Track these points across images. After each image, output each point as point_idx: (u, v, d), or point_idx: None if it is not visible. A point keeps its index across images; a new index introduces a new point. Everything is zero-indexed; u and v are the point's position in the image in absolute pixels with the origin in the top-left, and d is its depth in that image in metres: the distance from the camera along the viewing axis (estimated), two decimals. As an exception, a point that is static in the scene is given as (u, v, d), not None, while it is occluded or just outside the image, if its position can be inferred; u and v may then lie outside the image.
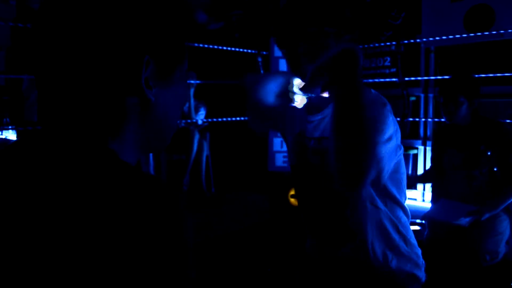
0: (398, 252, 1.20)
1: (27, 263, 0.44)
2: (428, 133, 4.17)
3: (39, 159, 0.50)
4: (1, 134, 5.97)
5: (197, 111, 4.40)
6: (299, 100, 1.11)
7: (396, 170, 1.18)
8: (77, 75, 0.51)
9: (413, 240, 1.26)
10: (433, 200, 2.32)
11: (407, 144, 4.19)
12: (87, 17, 0.50)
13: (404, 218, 1.23)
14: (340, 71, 0.91)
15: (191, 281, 0.47)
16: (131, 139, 0.55)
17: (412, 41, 3.92)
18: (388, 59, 4.33)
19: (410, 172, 4.24)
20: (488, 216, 1.96)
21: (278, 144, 3.61)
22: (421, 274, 1.24)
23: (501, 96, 3.79)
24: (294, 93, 1.08)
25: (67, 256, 0.43)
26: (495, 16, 3.53)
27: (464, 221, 1.95)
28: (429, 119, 4.14)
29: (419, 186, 4.06)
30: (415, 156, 4.27)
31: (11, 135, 5.83)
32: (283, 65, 3.45)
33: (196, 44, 3.40)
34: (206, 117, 4.47)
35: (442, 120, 2.31)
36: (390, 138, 1.08)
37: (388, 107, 1.12)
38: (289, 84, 1.08)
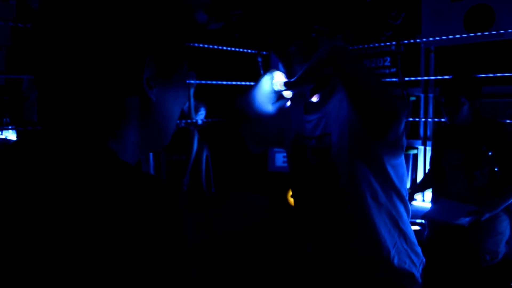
0: (397, 249, 1.20)
1: (27, 263, 0.43)
2: (428, 133, 4.17)
3: (39, 159, 0.50)
4: (1, 134, 5.96)
5: (197, 111, 4.40)
6: (287, 95, 1.14)
7: (399, 163, 1.19)
8: (77, 75, 0.51)
9: (413, 238, 1.26)
10: (433, 200, 2.32)
11: (407, 144, 4.18)
12: (88, 17, 0.50)
13: (405, 215, 1.23)
14: (336, 61, 1.00)
15: (191, 281, 0.47)
16: (131, 139, 0.55)
17: (412, 41, 3.92)
18: (388, 59, 4.32)
19: (410, 172, 4.23)
20: (488, 216, 1.96)
21: (278, 144, 3.60)
22: (418, 274, 1.23)
23: (501, 96, 3.79)
24: (280, 91, 1.11)
25: (67, 256, 0.43)
26: (495, 16, 3.53)
27: (464, 220, 1.95)
28: (429, 119, 4.14)
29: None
30: (415, 156, 4.27)
31: (11, 135, 5.82)
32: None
33: (196, 44, 3.40)
34: (206, 117, 4.47)
35: (442, 120, 2.31)
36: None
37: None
38: (272, 84, 1.12)
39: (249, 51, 3.76)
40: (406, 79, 3.54)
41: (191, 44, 3.34)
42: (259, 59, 3.66)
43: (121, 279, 0.43)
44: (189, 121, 4.30)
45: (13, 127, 4.33)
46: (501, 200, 2.00)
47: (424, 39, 3.93)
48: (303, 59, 1.09)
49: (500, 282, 2.09)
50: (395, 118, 1.00)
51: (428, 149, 4.05)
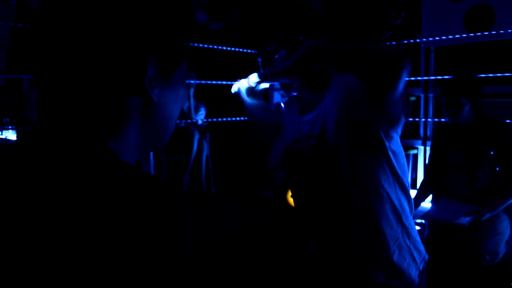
0: (399, 245, 1.19)
1: (27, 264, 0.43)
2: (428, 133, 4.17)
3: (39, 159, 0.49)
4: (1, 134, 5.96)
5: (197, 111, 4.40)
6: (263, 86, 1.24)
7: (400, 152, 1.19)
8: (78, 75, 0.51)
9: (415, 234, 1.24)
10: (433, 200, 2.31)
11: (407, 144, 4.19)
12: (89, 16, 0.50)
13: (408, 210, 1.22)
14: (321, 53, 1.03)
15: (190, 281, 0.47)
16: (131, 139, 0.55)
17: (412, 41, 3.93)
18: (388, 59, 4.31)
19: (410, 172, 4.23)
20: (488, 216, 1.95)
21: (278, 144, 3.60)
22: (416, 273, 1.21)
23: (501, 96, 3.79)
24: (256, 83, 1.18)
25: (66, 257, 0.43)
26: (495, 16, 3.53)
27: (465, 220, 1.95)
28: (429, 119, 4.14)
29: (419, 184, 4.05)
30: (415, 156, 4.27)
31: (11, 135, 5.82)
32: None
33: (196, 44, 3.40)
34: (206, 117, 4.47)
35: (442, 120, 2.30)
36: None
37: None
38: (248, 81, 1.19)
39: (249, 51, 3.76)
40: (406, 79, 3.53)
41: (191, 44, 3.34)
42: (259, 59, 3.66)
43: (121, 279, 0.43)
44: (189, 121, 4.30)
45: (13, 127, 4.32)
46: (501, 200, 1.99)
47: (424, 39, 3.93)
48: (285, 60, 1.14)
49: (500, 282, 2.09)
50: (403, 60, 1.01)
51: (428, 149, 4.05)
